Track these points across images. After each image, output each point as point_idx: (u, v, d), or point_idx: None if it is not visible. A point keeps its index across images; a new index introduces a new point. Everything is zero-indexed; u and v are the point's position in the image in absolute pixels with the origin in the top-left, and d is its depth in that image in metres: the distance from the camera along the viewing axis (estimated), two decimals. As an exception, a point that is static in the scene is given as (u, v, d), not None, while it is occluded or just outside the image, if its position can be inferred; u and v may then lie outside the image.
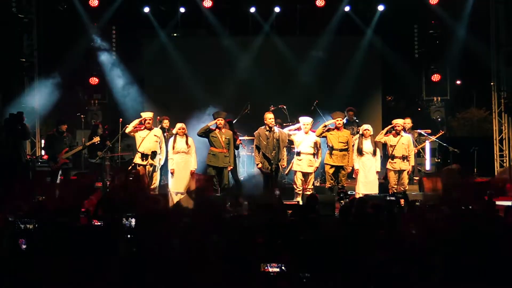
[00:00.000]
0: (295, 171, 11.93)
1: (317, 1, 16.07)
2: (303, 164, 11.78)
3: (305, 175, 11.83)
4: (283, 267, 4.81)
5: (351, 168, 11.95)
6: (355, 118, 14.29)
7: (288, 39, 17.03)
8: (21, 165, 12.00)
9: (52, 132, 12.60)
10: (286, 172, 12.13)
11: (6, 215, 6.86)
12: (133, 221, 6.40)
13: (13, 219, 6.61)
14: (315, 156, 11.85)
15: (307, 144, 11.81)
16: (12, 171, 11.56)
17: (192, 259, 4.90)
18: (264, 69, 16.37)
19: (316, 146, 11.85)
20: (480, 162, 15.03)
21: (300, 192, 11.75)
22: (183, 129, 11.91)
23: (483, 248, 4.98)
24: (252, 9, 16.53)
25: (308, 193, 11.58)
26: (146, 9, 16.37)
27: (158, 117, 13.48)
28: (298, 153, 11.81)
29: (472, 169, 15.03)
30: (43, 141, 14.98)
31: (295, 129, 12.42)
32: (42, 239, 5.79)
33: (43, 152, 14.75)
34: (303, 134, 11.90)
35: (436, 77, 16.25)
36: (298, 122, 12.30)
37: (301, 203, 11.30)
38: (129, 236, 6.11)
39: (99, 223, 6.11)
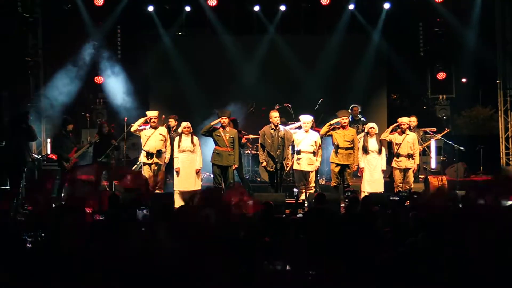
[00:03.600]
0: (295, 170, 11.93)
1: (321, 0, 16.04)
2: (303, 163, 11.76)
3: (306, 173, 11.81)
4: (287, 265, 4.81)
5: (356, 166, 11.94)
6: (360, 116, 14.24)
7: (293, 38, 17.01)
8: (27, 165, 12.03)
9: (60, 132, 12.65)
10: (286, 170, 12.09)
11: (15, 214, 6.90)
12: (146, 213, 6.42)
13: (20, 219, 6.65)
14: (315, 155, 11.84)
15: (307, 142, 11.78)
16: (17, 172, 11.60)
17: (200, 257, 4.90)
18: (269, 68, 16.35)
19: (316, 144, 11.83)
20: (485, 160, 15.00)
21: (303, 191, 11.74)
22: (188, 127, 11.92)
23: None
24: (257, 8, 16.49)
25: (311, 191, 11.58)
26: (150, 8, 16.35)
27: (163, 116, 13.48)
28: (298, 152, 11.79)
29: (478, 168, 15.02)
30: (48, 140, 15.01)
31: (296, 128, 12.41)
32: (47, 238, 5.81)
33: (48, 151, 14.78)
34: (304, 133, 11.89)
35: (441, 75, 16.21)
36: (299, 120, 12.30)
37: (305, 202, 11.32)
38: (143, 229, 6.14)
39: (101, 218, 6.11)
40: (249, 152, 14.02)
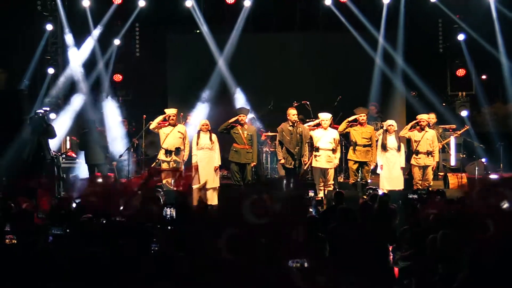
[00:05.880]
0: (314, 167, 11.91)
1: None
2: (322, 160, 11.75)
3: (325, 171, 11.79)
4: (305, 263, 4.80)
5: (374, 164, 11.91)
6: (379, 113, 14.17)
7: (311, 35, 16.95)
8: (46, 163, 12.12)
9: (92, 130, 12.81)
10: (304, 168, 12.07)
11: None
12: (173, 211, 6.46)
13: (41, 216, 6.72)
14: (334, 152, 11.81)
15: (326, 140, 11.79)
16: (37, 169, 11.70)
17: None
18: (287, 65, 16.31)
19: (335, 142, 11.80)
20: (506, 157, 14.85)
21: (322, 188, 11.72)
22: (206, 125, 11.94)
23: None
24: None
25: (330, 189, 11.56)
26: (169, 6, 16.36)
27: (182, 114, 13.51)
28: (317, 149, 11.78)
29: (498, 165, 14.88)
30: (68, 138, 15.11)
31: (314, 125, 12.39)
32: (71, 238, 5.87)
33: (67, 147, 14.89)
34: (322, 130, 11.87)
35: (461, 72, 16.09)
36: (317, 118, 12.28)
37: (324, 199, 11.28)
38: (169, 227, 6.17)
39: (122, 219, 6.15)
40: (267, 149, 14.00)
